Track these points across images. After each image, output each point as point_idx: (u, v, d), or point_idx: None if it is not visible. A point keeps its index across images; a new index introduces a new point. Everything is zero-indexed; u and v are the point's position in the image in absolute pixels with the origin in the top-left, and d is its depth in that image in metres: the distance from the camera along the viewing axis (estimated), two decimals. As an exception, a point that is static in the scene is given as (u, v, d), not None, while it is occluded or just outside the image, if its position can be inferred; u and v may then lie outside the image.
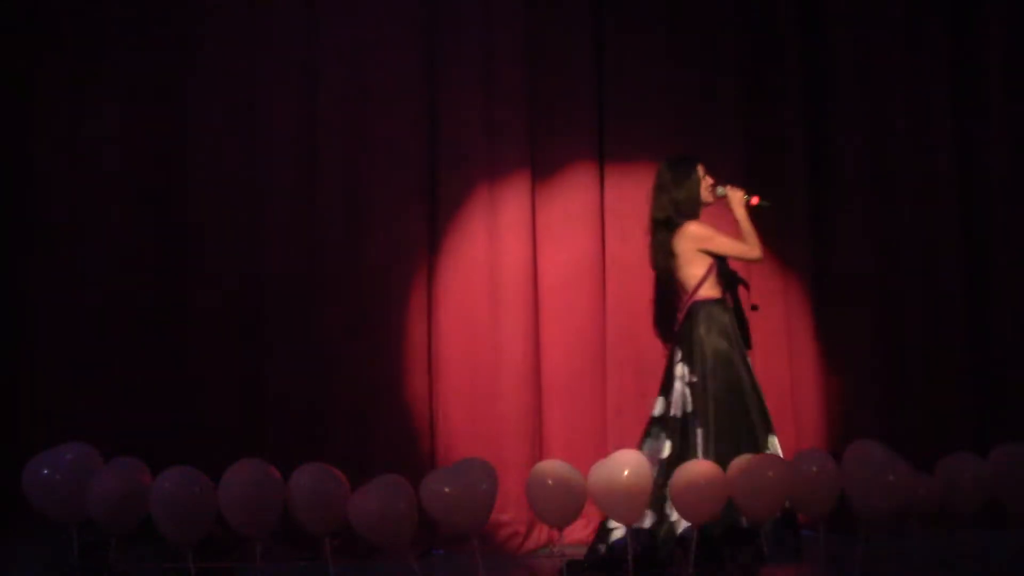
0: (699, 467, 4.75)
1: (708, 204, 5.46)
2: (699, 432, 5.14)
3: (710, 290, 5.32)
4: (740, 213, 5.38)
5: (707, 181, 5.44)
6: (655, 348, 6.02)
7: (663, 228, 5.41)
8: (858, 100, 6.32)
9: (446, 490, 4.56)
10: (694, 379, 5.22)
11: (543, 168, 6.17)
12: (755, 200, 5.41)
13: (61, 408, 5.85)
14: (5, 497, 5.25)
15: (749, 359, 5.32)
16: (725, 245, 5.34)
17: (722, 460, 4.84)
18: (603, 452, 5.41)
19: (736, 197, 5.40)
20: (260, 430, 5.86)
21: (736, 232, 5.40)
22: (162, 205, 6.06)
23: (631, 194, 6.07)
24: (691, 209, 5.39)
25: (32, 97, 6.09)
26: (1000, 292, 6.30)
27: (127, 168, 6.04)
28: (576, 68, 6.22)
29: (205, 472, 4.53)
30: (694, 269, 5.33)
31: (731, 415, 5.15)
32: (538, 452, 5.91)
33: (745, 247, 5.34)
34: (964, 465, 4.84)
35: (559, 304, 6.14)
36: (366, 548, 4.97)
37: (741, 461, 4.74)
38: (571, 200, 6.19)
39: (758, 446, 5.08)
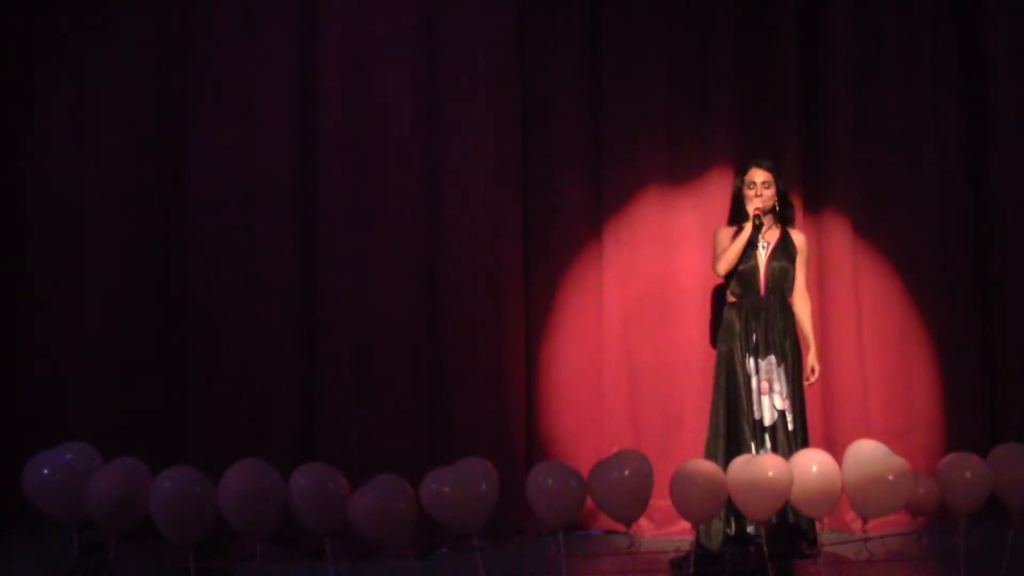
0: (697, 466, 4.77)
1: (752, 210, 5.35)
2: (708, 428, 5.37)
3: (729, 294, 5.41)
4: (748, 227, 5.34)
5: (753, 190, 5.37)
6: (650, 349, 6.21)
7: None
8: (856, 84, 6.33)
9: (446, 490, 4.57)
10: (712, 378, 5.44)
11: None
12: (754, 213, 5.32)
13: (61, 408, 5.84)
14: (5, 497, 5.24)
15: (764, 362, 5.25)
16: (713, 251, 5.43)
17: (709, 458, 5.11)
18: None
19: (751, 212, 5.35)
20: (260, 431, 5.87)
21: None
22: (164, 203, 6.06)
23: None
24: (732, 211, 5.47)
25: (32, 91, 6.09)
26: (1009, 281, 6.32)
27: (127, 165, 6.05)
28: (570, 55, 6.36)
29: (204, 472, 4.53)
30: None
31: (718, 415, 5.31)
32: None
33: (717, 257, 5.38)
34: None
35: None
36: (366, 548, 4.96)
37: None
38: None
39: (741, 451, 5.12)
